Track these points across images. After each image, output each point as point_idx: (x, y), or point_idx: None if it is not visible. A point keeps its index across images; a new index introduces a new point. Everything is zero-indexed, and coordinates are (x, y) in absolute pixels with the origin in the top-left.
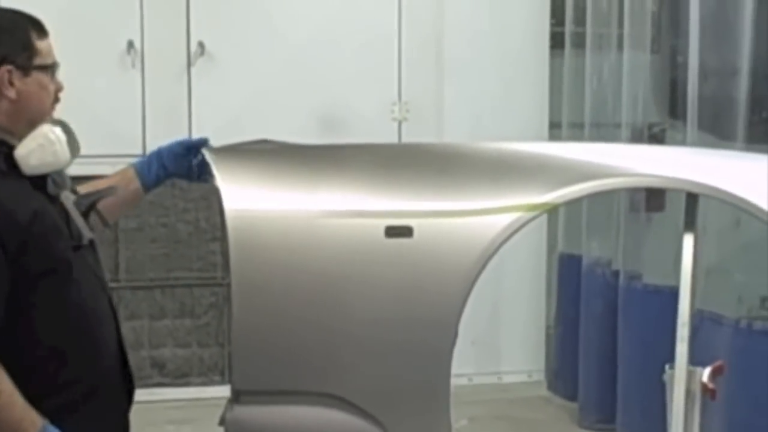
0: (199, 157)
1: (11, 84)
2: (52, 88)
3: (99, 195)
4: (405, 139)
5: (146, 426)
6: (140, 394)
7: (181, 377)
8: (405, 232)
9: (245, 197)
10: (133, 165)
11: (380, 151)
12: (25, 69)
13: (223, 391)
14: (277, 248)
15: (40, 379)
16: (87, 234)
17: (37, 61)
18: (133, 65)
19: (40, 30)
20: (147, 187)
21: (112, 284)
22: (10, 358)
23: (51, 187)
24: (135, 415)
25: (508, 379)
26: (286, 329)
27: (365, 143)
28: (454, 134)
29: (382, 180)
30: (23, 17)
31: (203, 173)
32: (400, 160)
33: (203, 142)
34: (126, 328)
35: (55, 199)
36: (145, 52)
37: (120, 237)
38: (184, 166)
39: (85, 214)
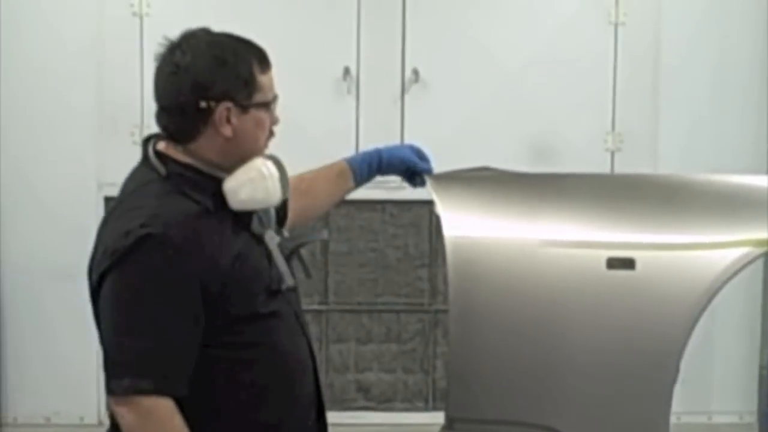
0: (418, 181)
1: (228, 122)
2: (268, 124)
3: (305, 240)
4: (617, 170)
5: None
6: (344, 417)
7: (385, 402)
8: (627, 264)
9: (465, 224)
10: (348, 162)
11: (601, 181)
12: (245, 107)
13: (427, 417)
14: (496, 276)
15: (236, 424)
16: (289, 280)
17: (258, 97)
18: (349, 91)
19: (264, 62)
20: (359, 179)
21: (321, 307)
22: (204, 403)
23: (256, 226)
24: None
25: (718, 419)
26: (503, 358)
27: (586, 173)
28: (668, 166)
29: (604, 210)
30: (248, 48)
31: (416, 178)
32: (621, 190)
33: (427, 170)
34: (333, 351)
35: (258, 239)
36: (360, 79)
37: (330, 260)
38: (404, 161)
39: (288, 258)
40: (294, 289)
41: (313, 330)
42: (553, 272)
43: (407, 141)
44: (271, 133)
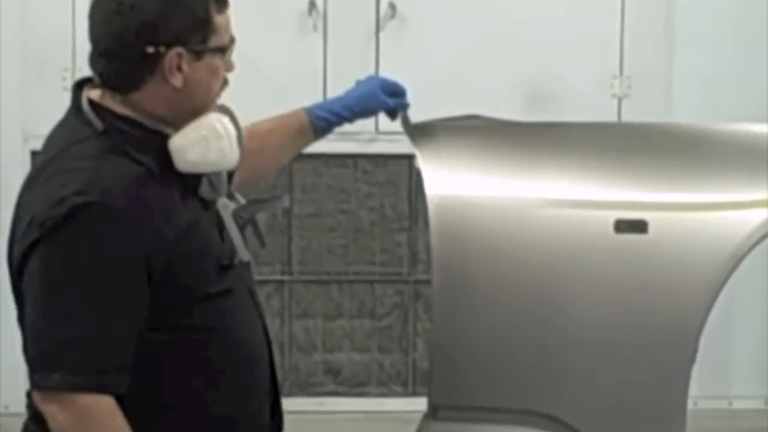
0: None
1: (179, 69)
2: (222, 71)
3: (263, 208)
4: (625, 118)
5: None
6: (311, 404)
7: (358, 386)
8: (638, 227)
9: (452, 182)
10: (308, 114)
11: (607, 131)
12: (198, 53)
13: (406, 404)
14: (487, 242)
15: (185, 419)
16: (243, 254)
17: (214, 41)
18: (315, 28)
19: (222, 0)
20: (318, 135)
21: (284, 277)
22: (148, 397)
23: (206, 191)
24: (305, 427)
25: (739, 404)
26: (495, 336)
27: (590, 122)
28: (683, 114)
29: (611, 165)
30: None
31: (396, 113)
32: (630, 141)
33: (402, 107)
34: (297, 327)
35: (207, 206)
36: (328, 14)
37: (293, 223)
38: (375, 105)
39: (242, 228)
40: (248, 264)
41: (274, 304)
42: (554, 237)
43: None
44: (225, 82)
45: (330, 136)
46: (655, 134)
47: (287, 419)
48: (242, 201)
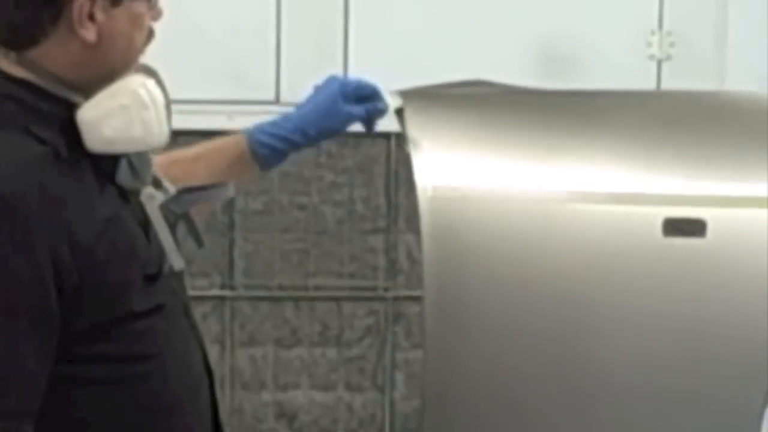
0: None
1: (91, 19)
2: (148, 20)
3: (200, 197)
4: (667, 84)
5: None
6: None
7: None
8: (694, 227)
9: (451, 169)
10: (249, 140)
11: (650, 102)
12: None
13: None
14: (496, 248)
15: None
16: (177, 261)
17: None
18: None
19: None
20: (266, 164)
21: (224, 292)
22: None
23: (126, 177)
24: None
25: None
26: (505, 373)
27: (626, 91)
28: (739, 80)
29: (657, 147)
30: None
31: (372, 121)
32: (680, 115)
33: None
34: (241, 358)
35: (129, 197)
36: None
37: (237, 222)
38: (337, 122)
39: (174, 226)
40: (181, 274)
41: (212, 327)
42: (583, 242)
43: (353, 41)
44: (151, 34)
45: (284, 108)
46: (707, 105)
47: None
48: (172, 190)
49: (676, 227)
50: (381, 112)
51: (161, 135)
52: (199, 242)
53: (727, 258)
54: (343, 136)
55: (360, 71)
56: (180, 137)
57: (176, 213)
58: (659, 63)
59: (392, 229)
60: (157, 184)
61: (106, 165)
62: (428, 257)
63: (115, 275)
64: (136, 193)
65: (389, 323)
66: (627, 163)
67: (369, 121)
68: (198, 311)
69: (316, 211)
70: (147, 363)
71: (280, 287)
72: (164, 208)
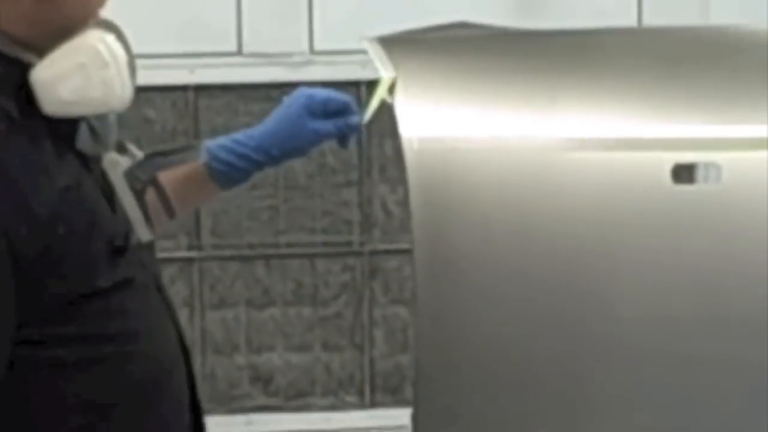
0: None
1: None
2: None
3: (168, 162)
4: (653, 20)
5: None
6: (236, 423)
7: (296, 398)
8: (706, 173)
9: (438, 120)
10: (209, 157)
11: (648, 39)
12: None
13: (363, 418)
14: (492, 202)
15: None
16: (143, 232)
17: None
18: None
19: None
20: (225, 183)
21: (191, 253)
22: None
23: (87, 143)
24: None
25: None
26: (504, 324)
27: (619, 27)
28: (728, 11)
29: (660, 88)
30: None
31: (346, 138)
32: (683, 53)
33: (343, 105)
34: (212, 321)
35: (90, 164)
36: None
37: None
38: (302, 141)
39: (140, 193)
40: (150, 245)
41: (180, 290)
42: (585, 193)
43: None
44: None
45: (248, 59)
46: (716, 42)
47: None
48: (138, 155)
49: (686, 173)
50: (353, 128)
51: (124, 95)
52: (170, 212)
53: (745, 204)
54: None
55: (326, 18)
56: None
57: (142, 180)
58: None
59: (365, 181)
60: (121, 148)
61: (64, 129)
62: (417, 216)
63: (77, 248)
64: (99, 159)
65: (366, 279)
66: (629, 105)
67: (342, 137)
68: (165, 274)
69: (285, 166)
70: (118, 343)
71: (250, 246)
72: (129, 174)
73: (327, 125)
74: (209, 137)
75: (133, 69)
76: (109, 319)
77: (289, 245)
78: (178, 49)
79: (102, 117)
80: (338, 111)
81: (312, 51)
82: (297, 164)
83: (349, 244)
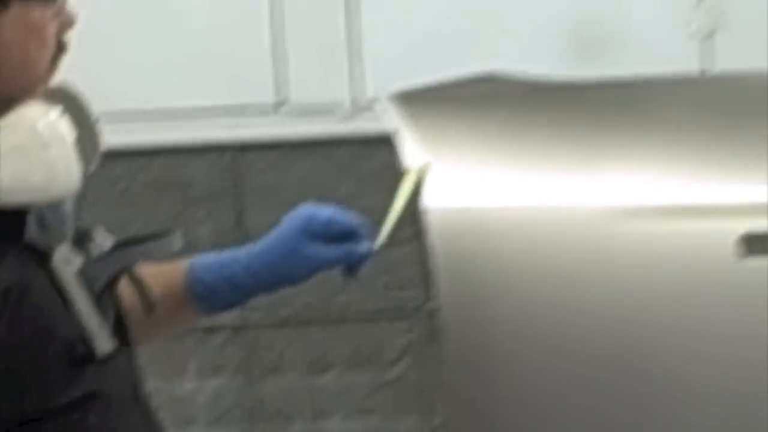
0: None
1: None
2: (53, 29)
3: (139, 253)
4: (715, 65)
5: None
6: None
7: None
8: None
9: (466, 187)
10: (190, 278)
11: (706, 88)
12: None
13: None
14: (530, 279)
15: None
16: (102, 343)
17: None
18: None
19: None
20: (206, 307)
21: (246, 316)
22: None
23: (35, 235)
24: None
25: None
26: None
27: (674, 76)
28: None
29: (721, 144)
30: None
31: (355, 269)
32: (747, 104)
33: (349, 229)
34: (267, 387)
35: (42, 260)
36: None
37: (252, 239)
38: (297, 268)
39: (102, 294)
40: (126, 355)
41: (230, 356)
42: (638, 267)
43: (363, 34)
44: (61, 48)
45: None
46: None
47: None
48: (106, 245)
49: (757, 243)
50: (360, 257)
51: (70, 179)
52: (149, 305)
53: None
54: (356, 142)
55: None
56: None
57: (101, 279)
58: (703, 39)
59: (424, 236)
60: (83, 238)
61: (9, 220)
62: (445, 290)
63: (21, 361)
64: (49, 254)
65: (430, 342)
66: (686, 166)
67: (348, 266)
68: (216, 340)
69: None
70: None
71: (307, 305)
72: (86, 273)
73: (328, 251)
74: (254, 198)
75: (91, 147)
76: None
77: (347, 306)
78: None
79: (54, 206)
80: (343, 236)
81: (353, 104)
82: None
83: (412, 302)
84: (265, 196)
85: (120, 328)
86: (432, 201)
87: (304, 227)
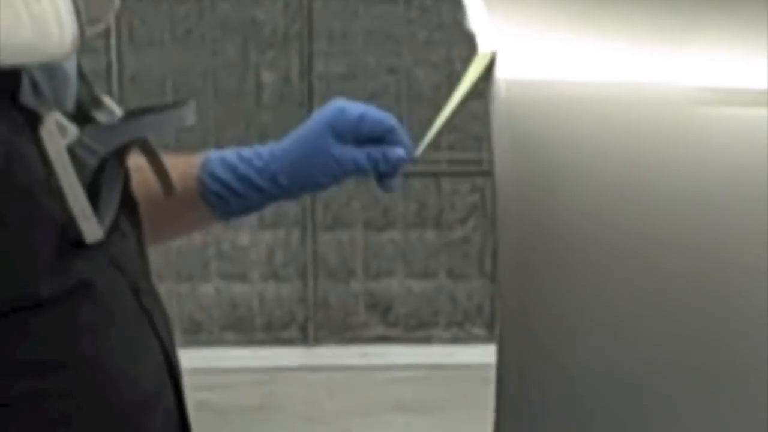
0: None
1: None
2: None
3: (147, 125)
4: None
5: (358, 412)
6: (349, 355)
7: (418, 328)
8: None
9: (535, 60)
10: (204, 161)
11: None
12: None
13: (492, 354)
14: (598, 169)
15: None
16: (88, 228)
17: None
18: None
19: None
20: (219, 206)
21: None
22: None
23: (29, 98)
24: (339, 390)
25: None
26: (605, 352)
27: None
28: None
29: None
30: None
31: (389, 177)
32: None
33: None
34: (325, 243)
35: (34, 126)
36: None
37: (316, 90)
38: (320, 171)
39: (99, 172)
40: (124, 234)
41: (286, 210)
42: (727, 159)
43: None
44: None
45: None
46: None
47: (308, 377)
48: (116, 111)
49: None
50: (394, 163)
51: (63, 39)
52: (168, 187)
53: None
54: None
55: None
56: None
57: (98, 152)
58: None
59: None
60: (96, 103)
61: (2, 81)
62: (502, 190)
63: (4, 239)
64: (41, 119)
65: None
66: None
67: (379, 173)
68: None
69: (409, 74)
70: (72, 370)
71: None
72: (78, 146)
73: (357, 154)
74: (324, 44)
75: (97, 3)
76: (56, 341)
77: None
78: None
79: (49, 69)
80: (376, 137)
81: None
82: (421, 72)
83: (477, 162)
84: (335, 40)
85: (129, 208)
86: (502, 71)
87: (332, 124)
